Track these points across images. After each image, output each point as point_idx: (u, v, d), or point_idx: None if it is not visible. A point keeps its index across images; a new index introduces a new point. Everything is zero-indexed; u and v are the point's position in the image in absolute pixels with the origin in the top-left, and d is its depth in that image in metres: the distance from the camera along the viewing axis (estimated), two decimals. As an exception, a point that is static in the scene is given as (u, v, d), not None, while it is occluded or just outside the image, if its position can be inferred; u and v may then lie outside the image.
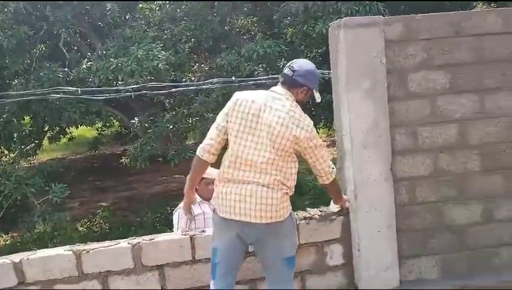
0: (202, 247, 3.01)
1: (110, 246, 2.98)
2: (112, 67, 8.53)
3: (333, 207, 3.20)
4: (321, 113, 10.59)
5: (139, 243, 2.99)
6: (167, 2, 10.67)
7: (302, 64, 2.83)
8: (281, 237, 2.73)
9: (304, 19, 8.88)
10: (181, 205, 3.72)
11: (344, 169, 3.18)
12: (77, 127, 11.84)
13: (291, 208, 2.78)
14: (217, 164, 2.87)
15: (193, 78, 9.67)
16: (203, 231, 3.11)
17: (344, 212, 3.15)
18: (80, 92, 8.28)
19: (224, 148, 2.80)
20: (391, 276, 3.10)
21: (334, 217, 3.15)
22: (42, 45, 10.58)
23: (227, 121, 2.72)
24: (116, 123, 15.51)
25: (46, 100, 9.00)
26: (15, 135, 10.55)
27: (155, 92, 8.84)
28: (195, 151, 2.86)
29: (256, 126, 2.67)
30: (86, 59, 9.90)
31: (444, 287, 3.13)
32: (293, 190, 2.78)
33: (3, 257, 2.96)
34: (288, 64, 2.84)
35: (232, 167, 2.70)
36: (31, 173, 9.50)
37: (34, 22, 10.34)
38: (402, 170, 3.14)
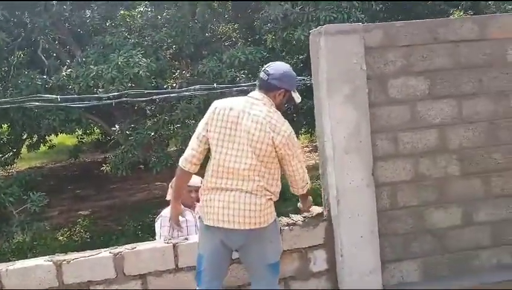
0: (185, 255, 2.99)
1: (91, 255, 2.93)
2: (92, 75, 8.45)
3: (317, 209, 3.21)
4: (303, 119, 10.66)
5: (120, 252, 2.95)
6: (148, 8, 10.63)
7: (277, 66, 2.83)
8: (264, 243, 2.73)
9: (284, 25, 8.96)
10: (163, 213, 3.70)
11: (326, 175, 3.19)
12: (57, 135, 11.68)
13: (275, 214, 2.78)
14: (199, 172, 2.86)
15: (174, 85, 9.63)
16: (186, 239, 3.09)
17: (327, 218, 3.17)
18: (59, 99, 8.16)
19: (208, 156, 2.80)
20: (374, 280, 3.12)
21: (318, 223, 3.16)
22: (20, 52, 10.42)
23: (207, 130, 2.73)
24: (97, 130, 15.33)
25: (25, 108, 8.86)
26: (-8, 143, 10.38)
27: (136, 99, 8.78)
28: (177, 158, 2.86)
29: (236, 133, 2.67)
30: (66, 66, 9.78)
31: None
32: (278, 195, 2.78)
33: (-19, 268, 2.89)
34: (263, 68, 2.84)
35: (215, 175, 2.70)
36: (9, 182, 9.35)
37: (12, 28, 10.20)
38: (383, 175, 3.17)
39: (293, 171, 2.77)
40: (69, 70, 9.24)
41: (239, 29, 11.42)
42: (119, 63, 8.32)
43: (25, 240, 9.79)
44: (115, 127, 10.30)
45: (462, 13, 10.96)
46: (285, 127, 2.71)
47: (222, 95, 7.63)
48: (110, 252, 2.95)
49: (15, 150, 11.42)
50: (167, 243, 3.04)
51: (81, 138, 16.03)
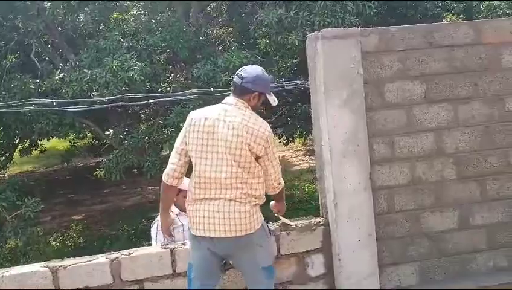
0: (183, 260, 2.97)
1: (88, 261, 2.91)
2: (86, 79, 8.42)
3: (285, 220, 3.14)
4: (297, 122, 10.68)
5: (117, 257, 2.93)
6: (141, 12, 10.61)
7: (250, 70, 2.84)
8: (254, 249, 2.74)
9: (278, 30, 8.98)
10: (158, 217, 3.67)
11: (324, 179, 3.20)
12: (49, 139, 11.60)
13: (262, 218, 2.78)
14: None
15: (169, 89, 9.61)
16: (183, 244, 3.07)
17: (324, 222, 3.17)
18: (55, 103, 8.12)
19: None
20: (371, 284, 3.12)
21: (315, 227, 3.15)
22: (13, 56, 10.36)
23: (186, 143, 2.74)
24: (89, 135, 15.26)
25: (18, 112, 8.80)
26: (-16, 148, 10.30)
27: (132, 102, 8.75)
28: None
29: (214, 143, 2.68)
30: (59, 70, 9.73)
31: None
32: (264, 197, 2.79)
33: (-24, 275, 2.86)
34: (237, 72, 2.86)
35: (197, 187, 2.72)
36: (1, 187, 9.26)
37: (5, 32, 10.14)
38: (380, 179, 3.18)
39: (268, 170, 2.76)
40: (63, 74, 9.20)
41: (233, 33, 11.43)
42: (114, 67, 8.30)
43: (18, 245, 9.70)
44: (108, 131, 10.25)
45: (454, 17, 11.06)
46: (263, 128, 2.70)
47: (217, 100, 7.61)
48: (106, 258, 2.93)
49: (7, 155, 11.33)
50: (164, 248, 3.02)
51: (74, 142, 15.93)
